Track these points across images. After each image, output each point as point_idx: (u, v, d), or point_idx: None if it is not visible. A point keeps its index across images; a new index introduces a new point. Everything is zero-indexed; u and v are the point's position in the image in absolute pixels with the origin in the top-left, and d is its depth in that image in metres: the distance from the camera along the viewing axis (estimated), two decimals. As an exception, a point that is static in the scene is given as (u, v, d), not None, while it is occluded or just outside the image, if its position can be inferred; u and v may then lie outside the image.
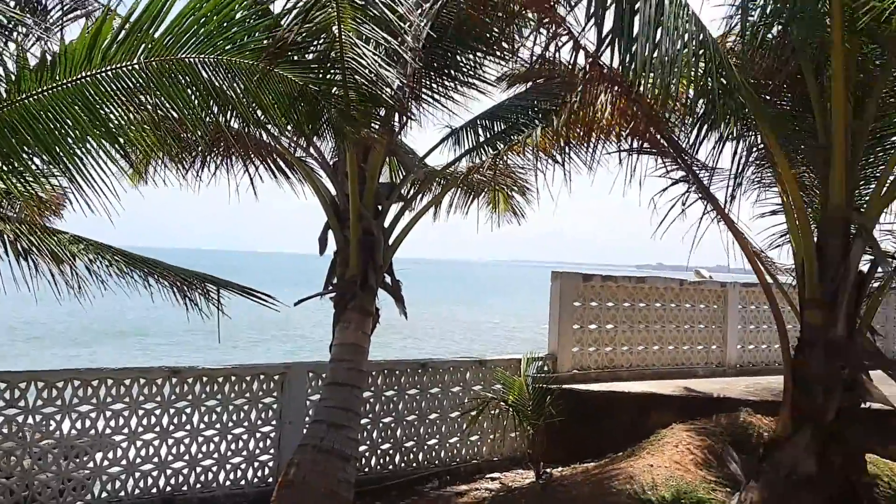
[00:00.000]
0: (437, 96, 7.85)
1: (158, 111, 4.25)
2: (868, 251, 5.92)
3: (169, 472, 7.61)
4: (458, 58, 7.73)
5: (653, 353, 11.63)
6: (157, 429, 7.53)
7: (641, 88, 5.51)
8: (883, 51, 5.94)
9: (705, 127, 6.61)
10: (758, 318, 12.62)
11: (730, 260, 7.39)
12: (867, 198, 6.36)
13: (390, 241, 8.04)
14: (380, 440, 8.84)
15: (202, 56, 4.11)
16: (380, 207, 8.05)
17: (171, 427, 7.62)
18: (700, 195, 7.09)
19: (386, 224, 8.12)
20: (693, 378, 11.56)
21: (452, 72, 7.79)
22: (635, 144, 7.30)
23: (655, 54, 5.06)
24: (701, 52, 5.37)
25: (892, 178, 5.90)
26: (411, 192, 8.88)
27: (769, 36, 6.29)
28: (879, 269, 6.30)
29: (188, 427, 7.72)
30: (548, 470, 9.18)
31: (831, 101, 5.59)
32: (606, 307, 11.22)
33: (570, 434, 9.52)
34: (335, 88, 5.42)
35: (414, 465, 9.12)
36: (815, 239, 5.86)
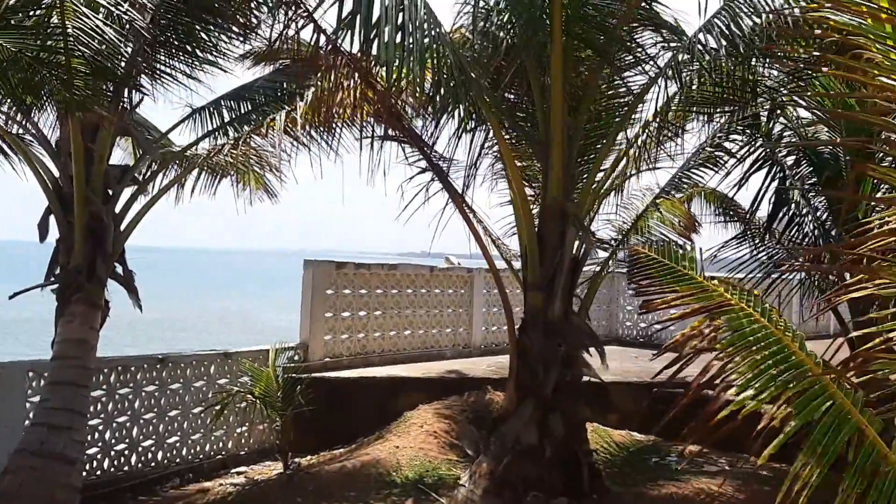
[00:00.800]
0: (175, 73, 7.42)
1: None
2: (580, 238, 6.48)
3: None
4: (199, 33, 7.35)
5: (404, 337, 11.94)
6: None
7: (380, 76, 5.57)
8: (596, 56, 6.51)
9: (443, 118, 6.84)
10: (500, 301, 13.39)
11: (470, 247, 7.78)
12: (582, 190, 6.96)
13: (122, 228, 7.49)
14: (113, 441, 8.22)
15: None
16: (110, 191, 7.47)
17: None
18: (441, 185, 7.35)
19: (118, 209, 7.55)
20: (441, 360, 12.04)
21: (191, 47, 7.39)
22: (384, 132, 7.41)
23: (397, 39, 5.12)
24: (435, 45, 5.53)
25: (601, 173, 6.49)
26: (148, 174, 8.32)
27: (500, 34, 6.63)
28: (602, 256, 6.95)
29: None
30: (296, 460, 9.09)
31: (551, 99, 6.03)
32: (360, 294, 11.33)
33: (322, 422, 9.51)
34: (57, 56, 4.93)
35: (153, 464, 8.60)
36: (537, 227, 6.32)
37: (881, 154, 5.89)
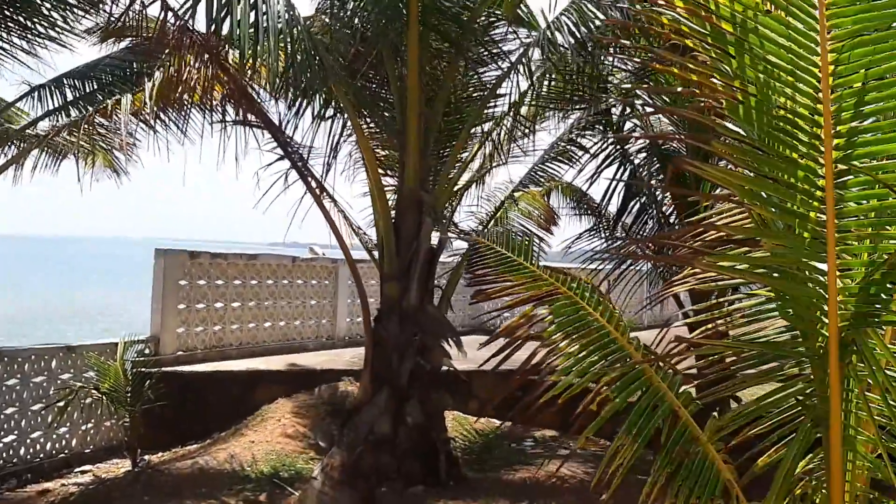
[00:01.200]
0: (13, 49, 6.90)
1: None
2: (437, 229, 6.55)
3: None
4: (39, 6, 6.86)
5: (264, 329, 11.67)
6: None
7: (233, 59, 5.39)
8: (451, 48, 6.57)
9: (301, 104, 6.71)
10: (367, 291, 13.34)
11: (335, 237, 7.68)
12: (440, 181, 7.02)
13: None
14: (-62, 444, 7.59)
15: None
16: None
17: None
18: (298, 173, 7.20)
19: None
20: (304, 352, 11.86)
21: (31, 22, 6.88)
22: (242, 117, 7.17)
23: (250, 17, 4.96)
24: (290, 28, 5.41)
25: (459, 165, 6.57)
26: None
27: (357, 21, 6.56)
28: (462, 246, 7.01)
29: None
30: (146, 457, 8.71)
31: (407, 89, 6.03)
32: (216, 285, 10.97)
33: (176, 418, 9.17)
34: None
35: (-15, 466, 8.00)
36: (394, 217, 6.33)
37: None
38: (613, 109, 8.42)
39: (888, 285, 2.30)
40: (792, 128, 2.29)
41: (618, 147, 8.94)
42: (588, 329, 2.86)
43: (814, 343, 2.49)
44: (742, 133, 2.39)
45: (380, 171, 7.72)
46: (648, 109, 8.60)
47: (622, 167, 9.04)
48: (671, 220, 8.93)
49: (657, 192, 9.07)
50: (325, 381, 9.93)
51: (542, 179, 9.50)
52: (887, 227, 2.30)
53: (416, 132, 6.05)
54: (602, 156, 8.92)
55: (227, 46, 5.93)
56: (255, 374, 10.08)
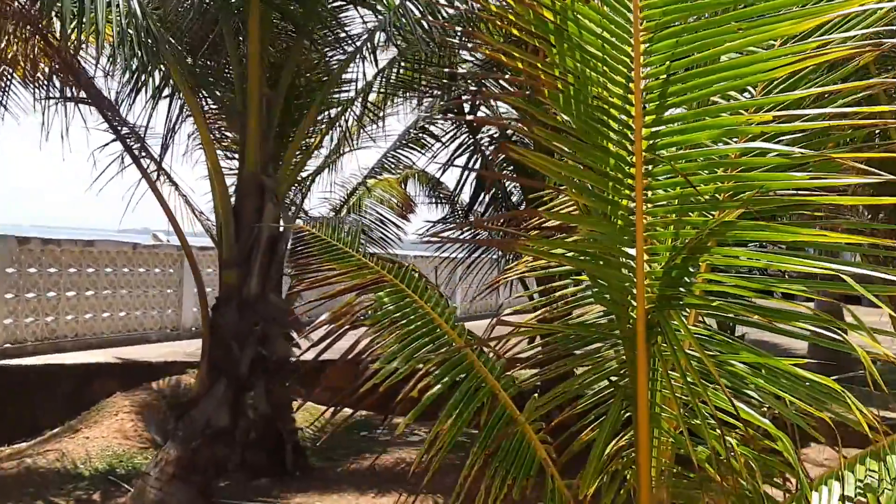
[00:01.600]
0: None
1: None
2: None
3: None
4: None
5: (102, 320, 11.02)
6: None
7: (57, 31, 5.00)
8: (295, 27, 6.39)
9: (136, 82, 6.33)
10: (214, 280, 12.87)
11: (185, 223, 7.39)
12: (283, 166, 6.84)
13: None
14: None
15: None
16: None
17: None
18: (130, 155, 6.81)
19: None
20: (146, 343, 11.33)
21: None
22: (72, 94, 6.68)
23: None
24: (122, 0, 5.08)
25: (305, 149, 6.42)
26: None
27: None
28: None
29: None
30: (-35, 458, 8.02)
31: (249, 69, 5.82)
32: (48, 273, 10.24)
33: (2, 415, 8.53)
34: None
35: None
36: (233, 202, 6.10)
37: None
38: (465, 97, 8.51)
39: (689, 269, 2.41)
40: (606, 117, 2.34)
41: (470, 136, 9.05)
42: (415, 316, 2.85)
43: (625, 325, 2.57)
44: (559, 121, 2.42)
45: (223, 153, 7.45)
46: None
47: (473, 156, 9.16)
48: (521, 209, 9.14)
49: (507, 182, 9.28)
50: (167, 373, 9.51)
51: (396, 167, 9.49)
52: (689, 214, 2.40)
53: (257, 114, 5.85)
54: (454, 144, 9.02)
55: (51, 17, 5.51)
56: (92, 367, 9.52)
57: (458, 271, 9.36)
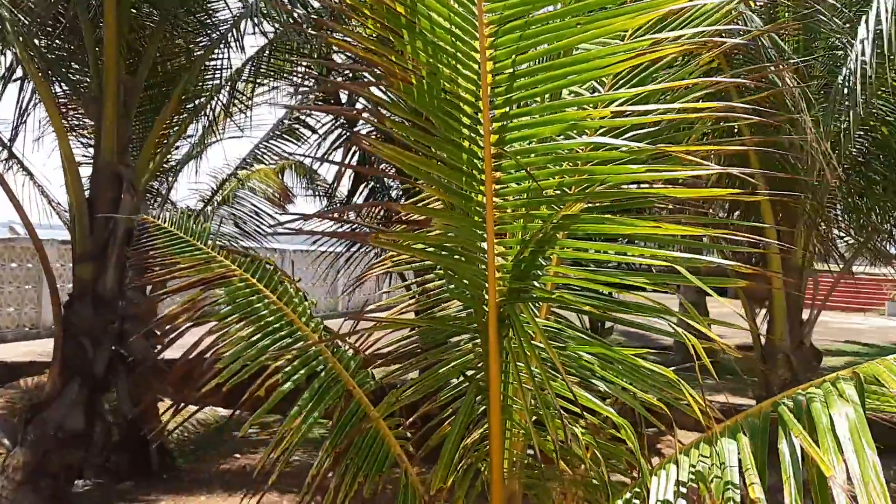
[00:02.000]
0: None
1: None
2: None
3: None
4: None
5: (-50, 319, 10.24)
6: None
7: None
8: (155, 11, 6.10)
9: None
10: (67, 275, 12.21)
11: (45, 216, 6.97)
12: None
13: None
14: None
15: None
16: None
17: None
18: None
19: None
20: (2, 343, 10.59)
21: None
22: None
23: None
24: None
25: (168, 138, 6.14)
26: None
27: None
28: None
29: None
30: None
31: (104, 54, 5.50)
32: None
33: None
34: None
35: None
36: (88, 192, 5.77)
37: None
38: (317, 89, 8.36)
39: (537, 262, 2.43)
40: (457, 112, 2.32)
41: (347, 129, 8.92)
42: (266, 311, 2.76)
43: (479, 319, 2.58)
44: (409, 112, 2.39)
45: (83, 141, 7.06)
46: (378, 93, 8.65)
47: (350, 149, 9.04)
48: (400, 202, 9.11)
49: (385, 178, 9.22)
50: (25, 374, 8.94)
51: (270, 157, 9.25)
52: (540, 208, 2.42)
53: (114, 100, 5.53)
54: (332, 137, 8.88)
55: None
56: (-64, 370, 8.82)
57: (338, 266, 9.24)
